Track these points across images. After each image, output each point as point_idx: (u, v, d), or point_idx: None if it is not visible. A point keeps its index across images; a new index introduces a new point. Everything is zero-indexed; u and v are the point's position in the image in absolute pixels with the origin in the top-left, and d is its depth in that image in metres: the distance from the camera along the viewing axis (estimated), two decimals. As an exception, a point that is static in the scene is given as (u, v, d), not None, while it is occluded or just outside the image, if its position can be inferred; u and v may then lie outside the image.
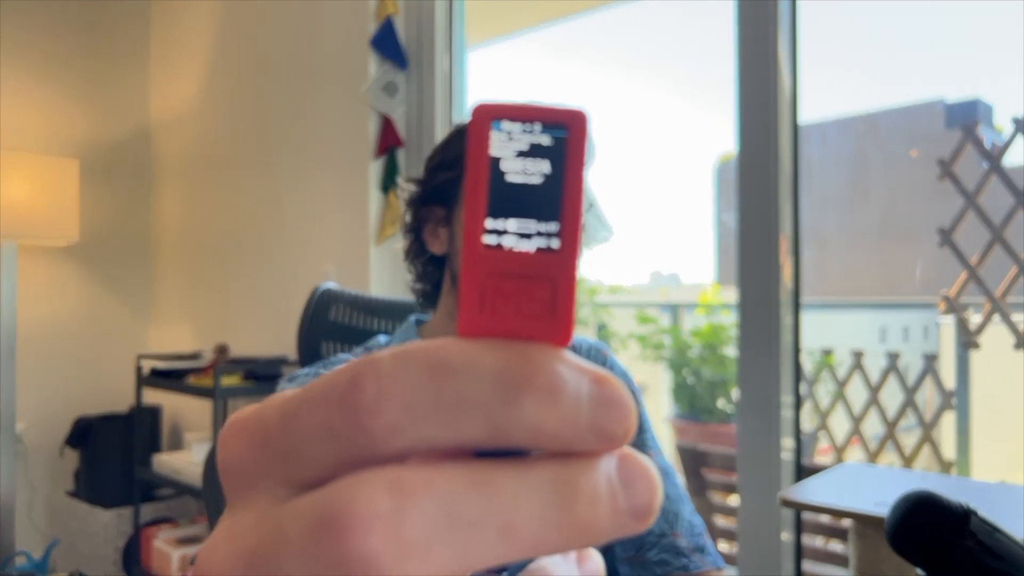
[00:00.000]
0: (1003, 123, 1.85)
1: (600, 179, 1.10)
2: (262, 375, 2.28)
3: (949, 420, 2.13)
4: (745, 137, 1.60)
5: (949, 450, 2.09)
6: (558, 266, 0.20)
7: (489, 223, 0.20)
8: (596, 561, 0.25)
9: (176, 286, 2.86)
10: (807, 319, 1.63)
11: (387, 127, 2.09)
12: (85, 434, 2.56)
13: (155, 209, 2.89)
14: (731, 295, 3.56)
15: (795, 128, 1.61)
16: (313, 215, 2.32)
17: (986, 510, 0.57)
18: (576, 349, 1.11)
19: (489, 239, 0.20)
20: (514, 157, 0.20)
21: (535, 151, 0.20)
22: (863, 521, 1.18)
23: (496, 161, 0.20)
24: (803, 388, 1.69)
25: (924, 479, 1.61)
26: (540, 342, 0.20)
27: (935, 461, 2.04)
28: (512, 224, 0.20)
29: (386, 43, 2.04)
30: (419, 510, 0.17)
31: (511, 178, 0.20)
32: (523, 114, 0.20)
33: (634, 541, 1.02)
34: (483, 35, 2.34)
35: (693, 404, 4.06)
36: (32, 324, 2.46)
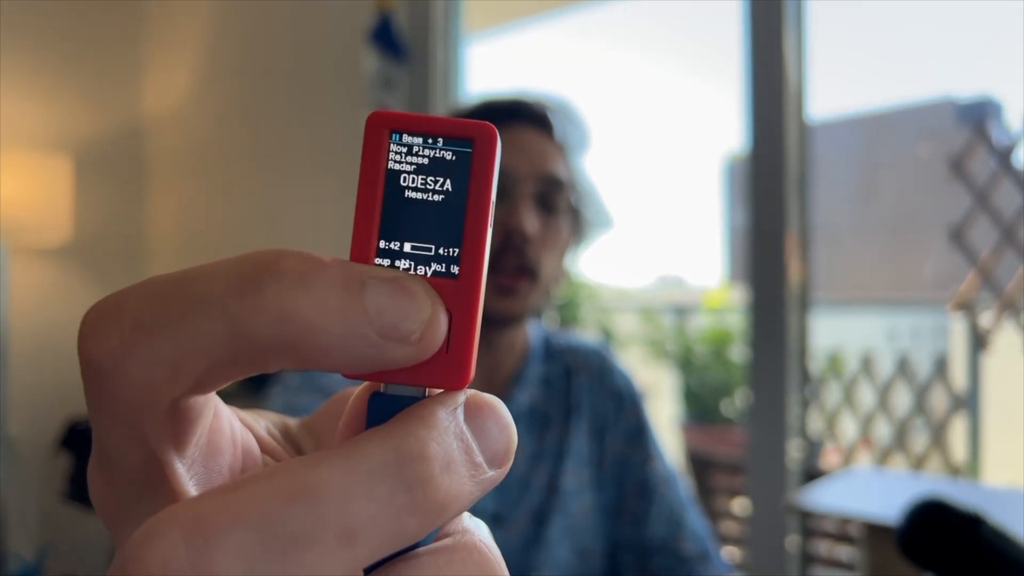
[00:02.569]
0: (1014, 121, 1.83)
1: (601, 172, 1.07)
2: (258, 377, 2.25)
3: (960, 423, 2.11)
4: (754, 135, 1.59)
5: (959, 453, 2.07)
6: (457, 295, 0.18)
7: (382, 243, 0.19)
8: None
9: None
10: (816, 319, 1.61)
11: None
12: (78, 437, 2.54)
13: (149, 208, 2.88)
14: (739, 296, 3.54)
15: (803, 126, 1.61)
16: (311, 213, 2.31)
17: (997, 515, 0.57)
18: (576, 351, 1.09)
19: (381, 260, 0.19)
20: (413, 172, 0.19)
21: (436, 167, 0.19)
22: (871, 527, 1.16)
23: (393, 175, 0.19)
24: (810, 390, 1.67)
25: (934, 483, 1.59)
26: (431, 386, 0.18)
27: (945, 465, 2.02)
28: (408, 246, 0.19)
29: (384, 37, 2.03)
30: (227, 550, 0.14)
31: (408, 195, 0.19)
32: (424, 126, 0.19)
33: (638, 547, 1.00)
34: (482, 24, 2.32)
35: (698, 407, 4.05)
36: (23, 325, 2.44)
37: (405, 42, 2.08)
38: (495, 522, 0.95)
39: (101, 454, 0.19)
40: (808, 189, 1.61)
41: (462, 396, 0.18)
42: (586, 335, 3.40)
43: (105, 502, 0.20)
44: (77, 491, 2.61)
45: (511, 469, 1.00)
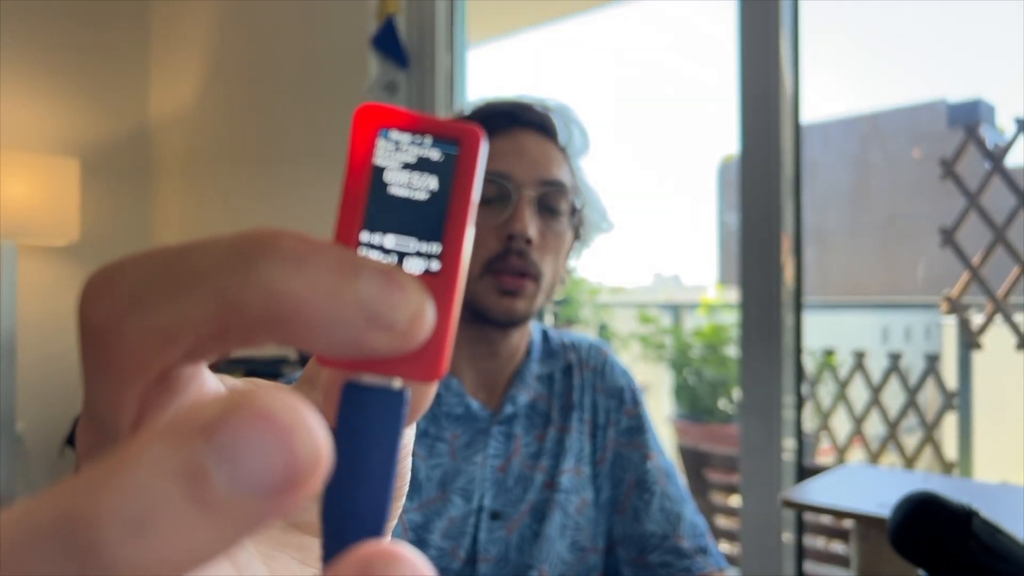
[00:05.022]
0: (1005, 123, 1.85)
1: (600, 175, 1.09)
2: (263, 374, 2.27)
3: (951, 421, 2.13)
4: (747, 137, 1.59)
5: (951, 451, 2.09)
6: (435, 291, 0.18)
7: (364, 235, 0.19)
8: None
9: (177, 286, 2.85)
10: (809, 319, 1.62)
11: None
12: (85, 434, 2.55)
13: (155, 208, 2.89)
14: (733, 295, 3.57)
15: (797, 128, 1.61)
16: (315, 215, 2.31)
17: (988, 511, 0.58)
18: (576, 348, 1.11)
19: (362, 252, 0.19)
20: (399, 169, 0.19)
21: (423, 165, 0.19)
22: (865, 522, 1.18)
23: (379, 171, 0.19)
24: (805, 388, 1.69)
25: (926, 480, 1.61)
26: (404, 376, 0.18)
27: (937, 462, 2.04)
28: (390, 240, 0.19)
29: (387, 42, 2.03)
30: None
31: (393, 191, 0.19)
32: (413, 124, 0.19)
33: (636, 543, 1.01)
34: (485, 33, 2.34)
35: (694, 404, 4.07)
36: (32, 324, 2.46)
37: (408, 47, 2.08)
38: (495, 519, 0.97)
39: (91, 414, 0.19)
40: (801, 190, 1.61)
41: (212, 410, 0.14)
42: (584, 332, 3.42)
43: (90, 459, 0.20)
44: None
45: (511, 467, 1.01)
